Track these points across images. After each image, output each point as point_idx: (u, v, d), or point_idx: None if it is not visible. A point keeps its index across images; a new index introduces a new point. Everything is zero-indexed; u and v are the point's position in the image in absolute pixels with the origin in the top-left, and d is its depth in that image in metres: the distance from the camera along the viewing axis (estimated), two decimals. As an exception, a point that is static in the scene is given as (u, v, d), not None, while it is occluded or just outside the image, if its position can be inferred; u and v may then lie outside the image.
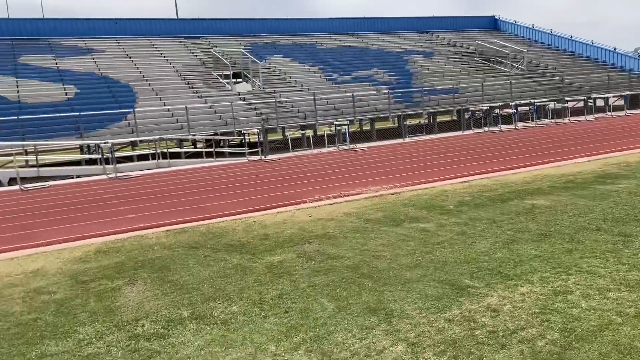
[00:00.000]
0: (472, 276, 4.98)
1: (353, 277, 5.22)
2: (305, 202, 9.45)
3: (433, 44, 35.83)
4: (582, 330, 3.74)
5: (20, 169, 15.69)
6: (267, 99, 23.87)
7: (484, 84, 26.53)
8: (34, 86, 23.05)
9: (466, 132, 21.89)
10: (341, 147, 19.17)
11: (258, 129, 19.76)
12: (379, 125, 25.91)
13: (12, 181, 15.75)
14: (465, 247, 5.93)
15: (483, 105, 24.10)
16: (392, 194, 9.52)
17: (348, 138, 19.55)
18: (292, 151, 19.39)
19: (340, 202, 9.18)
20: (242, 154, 18.51)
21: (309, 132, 21.97)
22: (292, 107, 23.17)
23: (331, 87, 26.24)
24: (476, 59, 32.78)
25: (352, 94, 23.13)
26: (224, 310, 4.61)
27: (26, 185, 14.63)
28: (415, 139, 20.89)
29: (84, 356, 3.89)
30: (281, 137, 23.85)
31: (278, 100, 22.87)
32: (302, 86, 26.10)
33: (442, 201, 8.58)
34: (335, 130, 20.29)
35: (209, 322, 4.36)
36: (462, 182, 10.23)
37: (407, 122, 23.37)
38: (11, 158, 16.83)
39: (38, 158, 17.52)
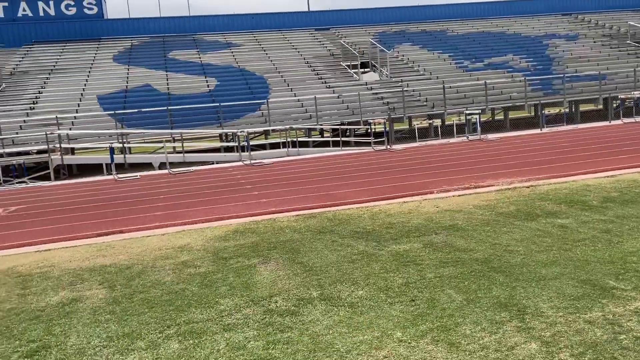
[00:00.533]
0: (617, 277, 4.56)
1: (483, 271, 5.05)
2: (432, 192, 9.30)
3: (577, 26, 32.89)
4: None
5: (169, 155, 17.36)
6: (394, 88, 23.73)
7: (637, 69, 23.79)
8: (180, 79, 25.27)
9: (614, 122, 19.86)
10: (471, 137, 18.47)
11: (384, 118, 19.75)
12: (513, 115, 24.52)
13: (162, 165, 17.50)
14: (611, 247, 5.44)
15: (635, 92, 21.66)
16: (527, 187, 9.00)
17: (479, 128, 18.75)
18: (419, 141, 19.10)
19: (470, 194, 8.89)
20: (367, 144, 18.65)
21: (437, 122, 21.47)
22: (419, 96, 22.79)
23: (462, 75, 25.32)
24: (628, 41, 29.48)
25: (485, 82, 22.12)
26: (351, 294, 4.74)
27: (174, 170, 16.15)
28: (554, 129, 19.44)
29: (224, 325, 4.25)
30: (407, 126, 23.61)
31: (405, 89, 22.62)
32: (430, 74, 25.53)
33: (583, 196, 7.92)
34: (465, 119, 19.58)
35: (337, 304, 4.52)
36: (607, 177, 9.35)
37: (545, 111, 21.78)
38: (161, 145, 18.67)
39: (184, 145, 19.23)
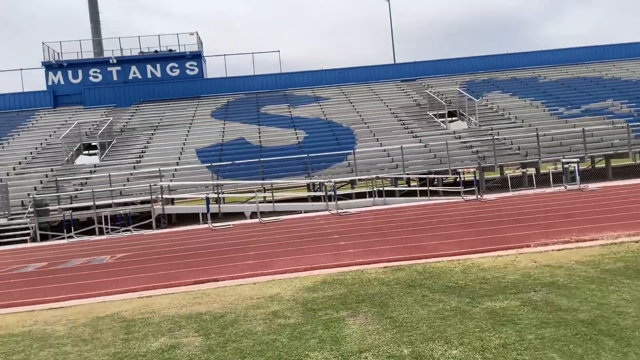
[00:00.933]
0: None
1: (589, 333, 4.68)
2: (528, 246, 8.84)
3: (686, 66, 30.69)
4: None
5: (259, 204, 17.99)
6: (483, 136, 23.21)
7: None
8: (271, 132, 26.42)
9: None
10: (569, 187, 17.47)
11: (474, 167, 19.26)
12: (615, 163, 22.96)
13: (253, 214, 18.13)
14: None
15: None
16: (637, 242, 8.30)
17: (578, 177, 17.72)
18: (512, 190, 18.36)
19: (571, 248, 8.34)
20: (457, 193, 18.20)
21: (531, 170, 20.58)
22: (511, 144, 22.08)
23: (556, 122, 24.31)
24: None
25: (583, 129, 21.05)
26: (444, 353, 4.56)
27: (264, 219, 16.67)
28: (663, 177, 17.92)
29: (314, 379, 4.24)
30: (499, 175, 22.82)
31: (496, 137, 22.04)
32: (522, 122, 24.76)
33: None
34: (562, 168, 18.61)
35: (429, 363, 4.36)
36: None
37: (653, 158, 20.19)
38: (253, 194, 19.42)
39: (273, 195, 19.87)
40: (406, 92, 31.60)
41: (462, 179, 18.40)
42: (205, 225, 16.61)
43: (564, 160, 18.82)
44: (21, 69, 34.11)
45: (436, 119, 26.68)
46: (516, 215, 12.52)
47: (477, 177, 18.25)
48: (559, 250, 8.33)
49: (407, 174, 21.01)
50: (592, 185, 17.44)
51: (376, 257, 9.01)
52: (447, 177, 21.23)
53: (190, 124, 28.75)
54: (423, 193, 19.15)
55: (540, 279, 6.70)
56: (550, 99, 27.53)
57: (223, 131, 27.02)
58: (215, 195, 19.47)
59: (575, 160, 18.39)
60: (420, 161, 21.50)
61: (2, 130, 29.39)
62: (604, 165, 23.34)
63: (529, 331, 4.89)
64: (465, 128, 25.57)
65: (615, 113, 24.75)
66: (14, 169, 24.22)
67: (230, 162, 22.14)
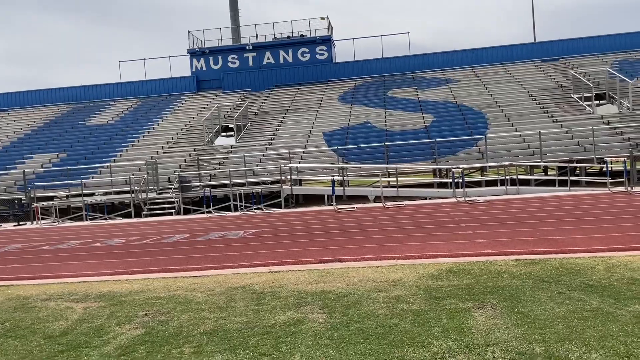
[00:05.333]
0: None
1: None
2: (689, 246, 7.77)
3: None
4: None
5: (384, 189, 17.96)
6: (637, 122, 20.78)
7: None
8: (398, 116, 26.13)
9: None
10: None
11: (624, 156, 17.34)
12: None
13: (376, 199, 18.17)
14: None
15: None
16: None
17: None
18: (670, 183, 16.25)
19: None
20: (603, 184, 16.56)
21: (695, 161, 18.04)
22: (671, 131, 19.52)
23: None
24: None
25: None
26: (582, 356, 4.19)
27: (388, 203, 16.62)
28: None
29: (437, 368, 4.15)
30: (654, 166, 20.30)
31: (652, 123, 19.61)
32: (686, 106, 21.71)
33: None
34: None
35: (565, 365, 4.04)
36: None
37: None
38: (377, 178, 19.44)
39: (398, 180, 19.71)
40: (547, 73, 29.28)
41: (610, 168, 16.66)
42: (330, 207, 17.00)
43: None
44: (169, 57, 37.48)
45: (581, 102, 24.40)
46: (675, 211, 11.08)
47: (628, 167, 16.40)
48: None
49: (545, 162, 19.55)
50: None
51: (507, 249, 8.54)
52: (591, 167, 19.39)
53: (319, 107, 29.46)
54: (562, 183, 17.70)
55: None
56: None
57: (349, 115, 27.30)
58: (340, 178, 19.80)
59: None
60: (561, 148, 19.88)
61: (152, 113, 32.61)
62: None
63: (688, 342, 4.31)
64: (616, 112, 23.07)
65: None
66: (162, 148, 26.78)
67: (356, 146, 22.34)
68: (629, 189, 15.68)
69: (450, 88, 29.08)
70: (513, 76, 29.64)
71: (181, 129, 29.25)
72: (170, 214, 19.80)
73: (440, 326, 5.12)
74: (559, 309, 5.41)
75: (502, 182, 18.43)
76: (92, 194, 22.39)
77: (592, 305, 5.45)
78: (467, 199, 16.38)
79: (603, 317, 5.05)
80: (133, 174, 21.93)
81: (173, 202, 20.40)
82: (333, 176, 18.73)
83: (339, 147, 22.38)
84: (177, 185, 20.81)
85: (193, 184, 21.15)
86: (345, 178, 20.22)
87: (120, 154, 26.63)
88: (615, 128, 20.74)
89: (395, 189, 18.91)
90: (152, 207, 20.45)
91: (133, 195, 20.59)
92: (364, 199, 18.89)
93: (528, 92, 26.74)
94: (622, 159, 16.83)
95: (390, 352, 4.54)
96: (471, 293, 6.19)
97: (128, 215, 20.54)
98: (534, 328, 4.90)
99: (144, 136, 28.95)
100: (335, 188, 17.53)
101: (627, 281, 6.24)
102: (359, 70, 34.10)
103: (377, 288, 6.72)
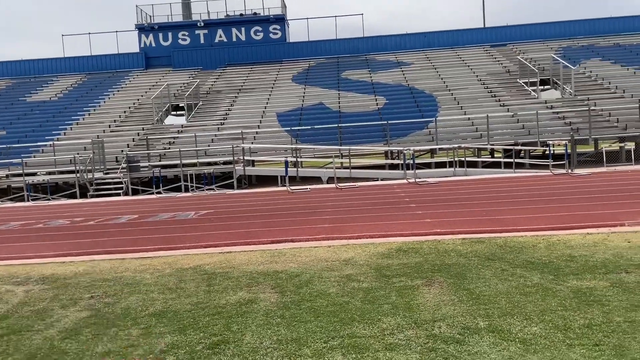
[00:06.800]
0: None
1: (689, 322, 4.30)
2: (622, 225, 8.24)
3: None
4: None
5: (337, 170, 18.06)
6: (578, 107, 21.71)
7: None
8: (351, 98, 26.22)
9: None
10: (673, 164, 16.01)
11: (566, 139, 18.11)
12: None
13: (329, 180, 18.26)
14: None
15: None
16: None
17: (684, 154, 16.17)
18: (607, 166, 17.13)
19: (671, 230, 7.68)
20: (545, 167, 17.26)
21: (630, 145, 19.04)
22: (609, 115, 20.50)
23: (663, 93, 22.19)
24: None
25: (694, 101, 19.08)
26: (523, 329, 4.38)
27: (340, 184, 16.74)
28: None
29: (386, 344, 4.24)
30: (593, 149, 21.36)
31: (593, 108, 20.53)
32: (624, 92, 22.83)
33: None
34: (666, 143, 17.06)
35: (507, 338, 4.22)
36: None
37: None
38: (330, 160, 19.52)
39: (350, 161, 19.85)
40: (495, 58, 30.05)
41: (552, 151, 17.36)
42: (284, 188, 16.97)
43: (669, 135, 17.22)
44: (116, 32, 35.97)
45: (527, 88, 25.22)
46: (610, 192, 11.69)
47: (569, 151, 17.16)
48: (657, 231, 7.70)
49: (492, 145, 20.15)
50: (701, 164, 15.88)
51: (454, 228, 8.79)
52: (535, 149, 20.14)
53: (272, 87, 29.15)
54: (508, 165, 18.33)
55: (634, 260, 6.24)
56: (658, 68, 25.11)
57: (303, 96, 27.18)
58: (294, 159, 19.76)
59: (683, 135, 16.77)
60: (507, 131, 20.53)
61: (98, 90, 31.37)
62: None
63: (618, 313, 4.58)
64: (559, 98, 23.99)
65: None
66: (109, 127, 25.87)
67: (310, 127, 22.30)
68: (569, 171, 16.41)
69: (402, 71, 29.38)
70: (463, 60, 30.24)
71: (129, 107, 28.31)
72: (118, 194, 19.24)
73: (389, 303, 5.23)
74: (503, 285, 5.63)
75: (451, 164, 18.90)
76: (34, 174, 21.42)
77: (533, 281, 5.70)
78: (417, 180, 16.71)
79: (543, 293, 5.30)
80: (78, 153, 21.11)
81: (121, 183, 19.81)
82: (286, 157, 18.66)
83: (293, 128, 22.29)
84: (124, 165, 20.20)
85: (142, 164, 20.58)
86: (298, 159, 20.19)
87: (64, 132, 25.54)
88: (557, 113, 21.58)
89: (348, 170, 19.05)
90: (98, 187, 19.80)
91: (78, 175, 19.85)
92: (317, 180, 18.95)
93: (477, 76, 27.38)
94: (563, 142, 17.58)
95: (341, 329, 4.60)
96: (420, 271, 6.35)
97: (73, 196, 19.81)
98: (479, 304, 5.08)
99: (89, 114, 27.85)
100: (289, 169, 17.49)
101: (565, 258, 6.55)
102: (313, 51, 33.87)
103: (329, 267, 6.78)
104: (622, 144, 19.18)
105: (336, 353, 4.11)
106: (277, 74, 31.31)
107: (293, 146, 20.72)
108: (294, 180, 19.31)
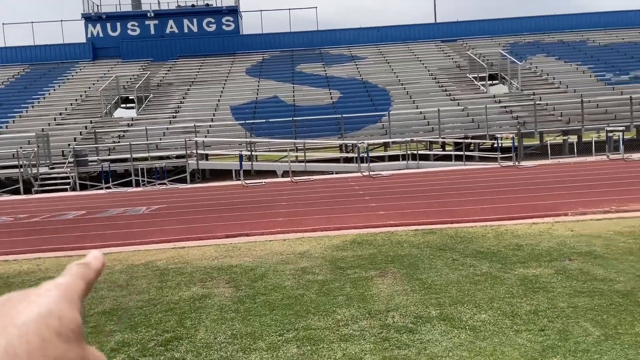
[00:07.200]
0: None
1: (625, 305, 4.55)
2: (566, 214, 8.61)
3: None
4: None
5: (292, 164, 18.03)
6: (525, 101, 22.48)
7: None
8: (306, 91, 26.21)
9: None
10: (612, 156, 16.85)
11: (513, 133, 18.74)
12: (663, 133, 21.95)
13: (284, 173, 18.23)
14: None
15: None
16: (681, 215, 7.97)
17: (622, 146, 17.05)
18: (551, 158, 17.84)
19: (611, 219, 8.08)
20: (494, 159, 17.81)
21: (573, 138, 19.89)
22: (553, 110, 21.32)
23: (603, 89, 23.30)
24: None
25: (630, 97, 20.10)
26: (472, 317, 4.52)
27: (295, 178, 16.73)
28: None
29: (341, 335, 4.28)
30: (538, 142, 22.17)
31: (538, 102, 21.31)
32: (567, 87, 23.81)
33: None
34: (606, 136, 17.92)
35: (457, 326, 4.33)
36: None
37: None
38: (285, 153, 19.47)
39: (305, 154, 19.86)
40: (446, 53, 30.69)
41: (500, 144, 17.93)
42: (238, 182, 16.80)
43: (608, 128, 18.11)
44: (61, 21, 34.54)
45: (476, 82, 25.91)
46: (554, 183, 12.19)
47: (516, 143, 17.76)
48: (598, 220, 8.08)
49: (443, 138, 20.61)
50: (636, 156, 16.76)
51: (407, 220, 8.95)
52: (484, 143, 20.75)
53: (226, 80, 28.75)
54: (458, 158, 18.80)
55: (577, 248, 6.53)
56: (598, 64, 26.30)
57: (257, 89, 26.95)
58: (248, 153, 19.59)
59: (620, 129, 17.67)
60: (458, 125, 21.04)
61: (43, 81, 30.06)
62: (650, 135, 22.36)
63: (562, 299, 4.79)
64: (506, 92, 24.78)
65: (667, 81, 23.53)
66: (55, 120, 24.86)
67: (264, 120, 22.15)
68: (517, 163, 17.01)
69: (356, 65, 29.58)
70: (415, 55, 30.73)
71: (76, 100, 27.27)
72: (65, 190, 18.53)
73: (344, 295, 5.28)
74: (453, 274, 5.77)
75: (404, 157, 19.21)
76: (-28, 169, 20.33)
77: (482, 270, 5.88)
78: (371, 173, 16.91)
79: (492, 281, 5.47)
80: (21, 147, 20.18)
81: (68, 178, 19.09)
82: (241, 151, 18.47)
83: (247, 122, 22.08)
84: (72, 160, 19.47)
85: (90, 158, 19.89)
86: (253, 153, 20.02)
87: (7, 126, 24.36)
88: (505, 107, 22.29)
89: (304, 164, 19.06)
90: (44, 183, 19.01)
91: (22, 170, 18.98)
92: (272, 173, 18.86)
93: (429, 71, 27.90)
94: (510, 135, 18.19)
95: (296, 321, 4.61)
96: (373, 262, 6.43)
97: (17, 192, 18.94)
98: (431, 293, 5.20)
99: (33, 106, 26.65)
100: (243, 163, 17.32)
101: (513, 247, 6.79)
102: (267, 44, 33.58)
103: (284, 260, 6.77)
104: (565, 137, 20.01)
105: (291, 345, 4.11)
106: (230, 67, 30.89)
107: (247, 140, 20.53)
108: (248, 174, 19.15)
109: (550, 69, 26.38)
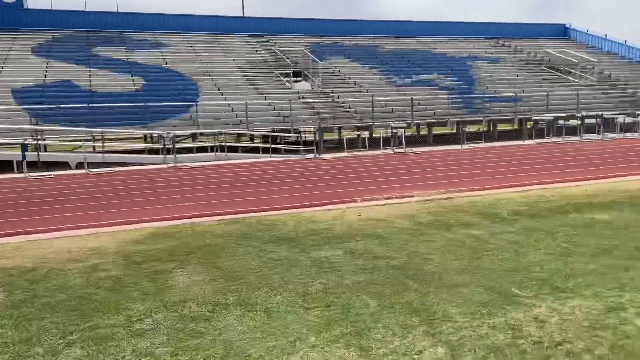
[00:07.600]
0: (520, 286, 4.83)
1: (399, 278, 5.18)
2: (356, 201, 9.46)
3: (499, 50, 34.88)
4: (635, 348, 3.56)
5: (88, 154, 16.54)
6: (325, 98, 24.02)
7: (549, 93, 25.56)
8: (104, 76, 24.22)
9: (527, 142, 21.18)
10: (396, 150, 19.02)
11: (314, 127, 19.91)
12: (436, 131, 25.51)
13: (79, 165, 16.63)
14: (517, 257, 5.76)
15: (547, 115, 23.24)
16: (445, 199, 9.37)
17: (404, 141, 19.36)
18: (347, 151, 19.42)
19: (392, 204, 9.12)
20: (297, 152, 18.71)
21: (365, 134, 21.91)
22: (349, 107, 23.20)
23: (391, 90, 26.07)
24: (543, 67, 31.64)
25: (412, 98, 22.88)
26: (268, 300, 4.70)
27: (93, 170, 15.40)
28: (473, 146, 20.42)
29: (132, 331, 4.07)
30: (337, 137, 23.94)
31: (336, 100, 22.97)
32: (361, 87, 26.08)
33: (496, 209, 8.35)
34: (392, 132, 20.15)
35: (253, 310, 4.46)
36: (519, 192, 9.92)
37: (466, 129, 22.85)
38: (80, 143, 17.78)
39: (105, 145, 18.40)
40: (254, 48, 31.19)
41: (303, 138, 18.92)
42: (21, 175, 14.84)
43: (393, 125, 20.37)
44: None
45: (282, 78, 26.86)
46: (348, 174, 13.29)
47: (317, 137, 18.92)
48: (382, 205, 9.05)
49: (251, 131, 20.95)
50: (416, 150, 19.21)
51: (212, 210, 8.90)
52: (289, 136, 21.66)
53: (6, 59, 25.04)
54: (265, 150, 19.31)
55: (363, 230, 7.23)
56: (387, 68, 29.35)
57: (46, 70, 24.04)
58: (35, 142, 17.39)
59: (403, 126, 20.03)
60: (265, 118, 21.56)
61: None
62: (426, 132, 25.80)
63: (347, 277, 5.26)
64: (309, 89, 26.18)
65: (439, 85, 27.34)
66: None
67: (55, 106, 19.86)
68: (318, 155, 18.14)
69: (162, 52, 28.31)
70: (223, 47, 30.61)
71: None
72: None
73: (139, 290, 5.04)
74: (254, 261, 5.93)
75: (213, 149, 19.05)
76: None
77: (280, 255, 6.15)
78: (177, 164, 16.41)
79: (288, 264, 5.75)
80: None
81: None
82: (25, 139, 16.28)
83: (33, 107, 19.54)
84: None
85: None
86: (41, 142, 17.81)
87: None
88: (308, 103, 23.56)
89: (101, 155, 17.61)
90: None
91: None
92: (65, 165, 17.02)
93: (237, 64, 28.05)
94: (312, 129, 19.30)
95: (81, 322, 4.25)
96: (173, 254, 6.26)
97: None
98: (230, 281, 5.26)
99: None
100: (28, 153, 15.30)
101: (309, 232, 7.23)
102: (58, 22, 30.09)
103: (73, 258, 6.20)
104: (359, 133, 21.94)
105: (74, 348, 3.78)
106: (11, 44, 26.98)
107: (33, 127, 18.19)
108: (35, 166, 17.02)
109: (347, 70, 28.63)
